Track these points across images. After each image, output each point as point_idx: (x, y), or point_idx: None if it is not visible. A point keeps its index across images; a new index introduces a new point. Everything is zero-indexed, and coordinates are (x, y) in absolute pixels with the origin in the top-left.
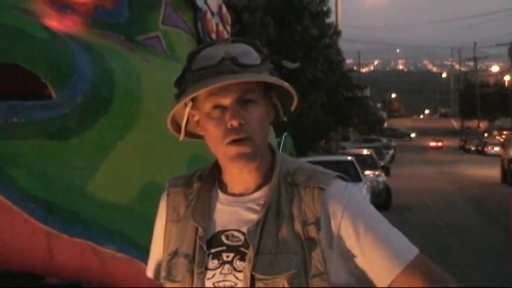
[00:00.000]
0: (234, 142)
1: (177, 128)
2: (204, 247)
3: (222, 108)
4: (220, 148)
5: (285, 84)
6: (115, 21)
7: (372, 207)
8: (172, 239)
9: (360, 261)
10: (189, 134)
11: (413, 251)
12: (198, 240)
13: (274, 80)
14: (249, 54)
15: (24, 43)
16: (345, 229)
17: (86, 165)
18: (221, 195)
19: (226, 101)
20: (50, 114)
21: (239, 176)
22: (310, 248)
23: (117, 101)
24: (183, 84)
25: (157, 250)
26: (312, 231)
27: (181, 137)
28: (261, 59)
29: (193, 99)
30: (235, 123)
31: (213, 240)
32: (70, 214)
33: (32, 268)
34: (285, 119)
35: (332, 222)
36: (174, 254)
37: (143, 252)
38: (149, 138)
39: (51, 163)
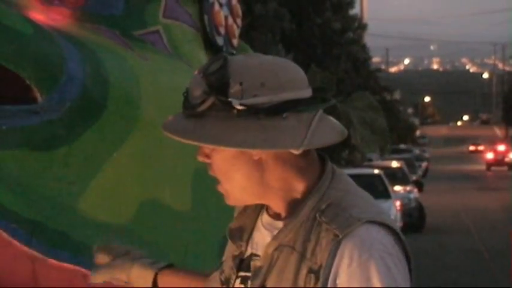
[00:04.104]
0: None
1: None
2: (234, 268)
3: None
4: None
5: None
6: (109, 13)
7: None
8: (227, 247)
9: None
10: None
11: None
12: (231, 259)
13: (195, 141)
14: (195, 88)
15: (5, 39)
16: None
17: (76, 180)
18: (264, 213)
19: None
20: (34, 121)
21: None
22: None
23: (112, 106)
24: None
25: None
26: (311, 281)
27: None
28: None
29: None
30: (200, 159)
31: (245, 263)
32: (58, 235)
33: None
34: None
35: (335, 275)
36: (220, 264)
37: None
38: (149, 148)
39: (36, 177)
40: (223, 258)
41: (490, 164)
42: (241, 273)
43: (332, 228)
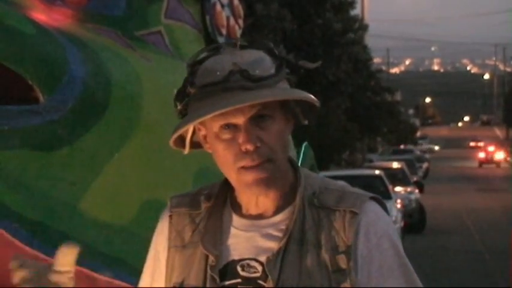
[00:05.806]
0: (250, 167)
1: (178, 139)
2: (217, 279)
3: (233, 127)
4: (232, 173)
5: (309, 97)
6: (111, 14)
7: (399, 248)
8: (176, 268)
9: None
10: (195, 144)
11: None
12: (209, 271)
13: (296, 95)
14: (261, 62)
15: (7, 39)
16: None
17: (78, 180)
18: (235, 217)
19: (238, 120)
20: (36, 121)
21: (255, 198)
22: (339, 280)
23: (113, 107)
24: (185, 100)
25: (149, 279)
26: (342, 261)
27: (187, 150)
28: (275, 66)
29: None
30: (250, 147)
31: (227, 271)
32: (59, 235)
33: None
34: (306, 122)
35: (360, 250)
36: (180, 286)
37: None
38: (150, 149)
39: (38, 177)
40: (174, 281)
41: (481, 162)
42: (226, 283)
43: (345, 208)
